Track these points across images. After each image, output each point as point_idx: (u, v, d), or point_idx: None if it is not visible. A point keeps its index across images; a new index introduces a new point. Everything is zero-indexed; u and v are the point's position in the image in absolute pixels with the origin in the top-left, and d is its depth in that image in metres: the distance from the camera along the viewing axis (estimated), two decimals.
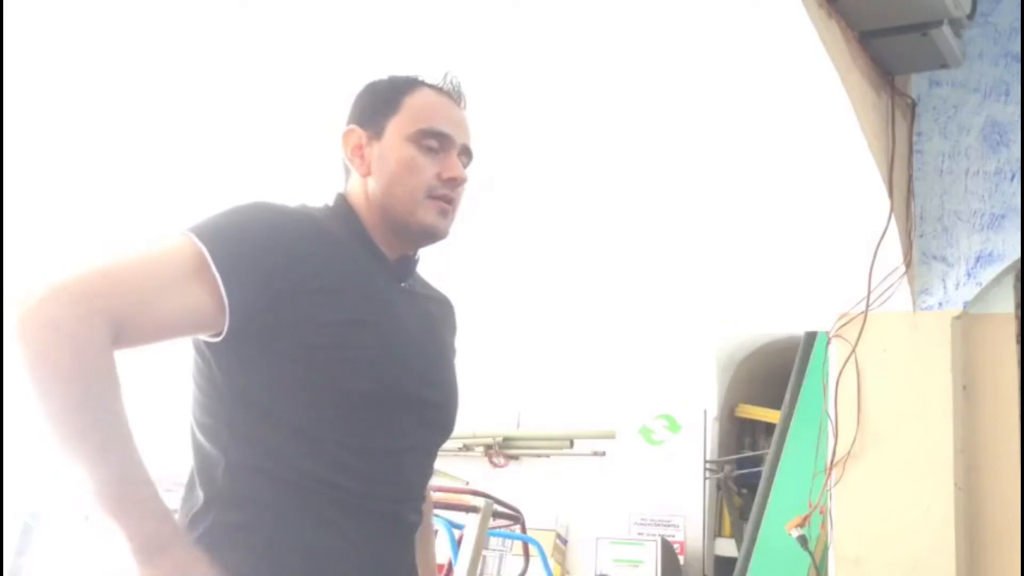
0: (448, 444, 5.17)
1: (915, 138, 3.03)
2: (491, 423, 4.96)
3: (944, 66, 2.82)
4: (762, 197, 2.93)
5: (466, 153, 1.52)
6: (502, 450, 4.96)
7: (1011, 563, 2.81)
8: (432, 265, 1.68)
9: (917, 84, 3.06)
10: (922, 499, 2.88)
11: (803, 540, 3.14)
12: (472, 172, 1.56)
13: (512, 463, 5.00)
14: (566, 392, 4.95)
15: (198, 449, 1.39)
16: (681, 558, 4.45)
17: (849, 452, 2.97)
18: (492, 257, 3.60)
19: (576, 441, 4.81)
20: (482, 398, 4.84)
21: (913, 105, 3.02)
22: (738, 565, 4.05)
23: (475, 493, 3.23)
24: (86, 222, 3.81)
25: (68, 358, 1.17)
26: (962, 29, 2.79)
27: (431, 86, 1.53)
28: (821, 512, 3.13)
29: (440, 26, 2.38)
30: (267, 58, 2.59)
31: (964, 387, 2.95)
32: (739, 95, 2.48)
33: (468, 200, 1.57)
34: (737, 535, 4.46)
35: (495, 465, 4.97)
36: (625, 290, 3.69)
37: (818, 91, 2.37)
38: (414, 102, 1.49)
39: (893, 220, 2.79)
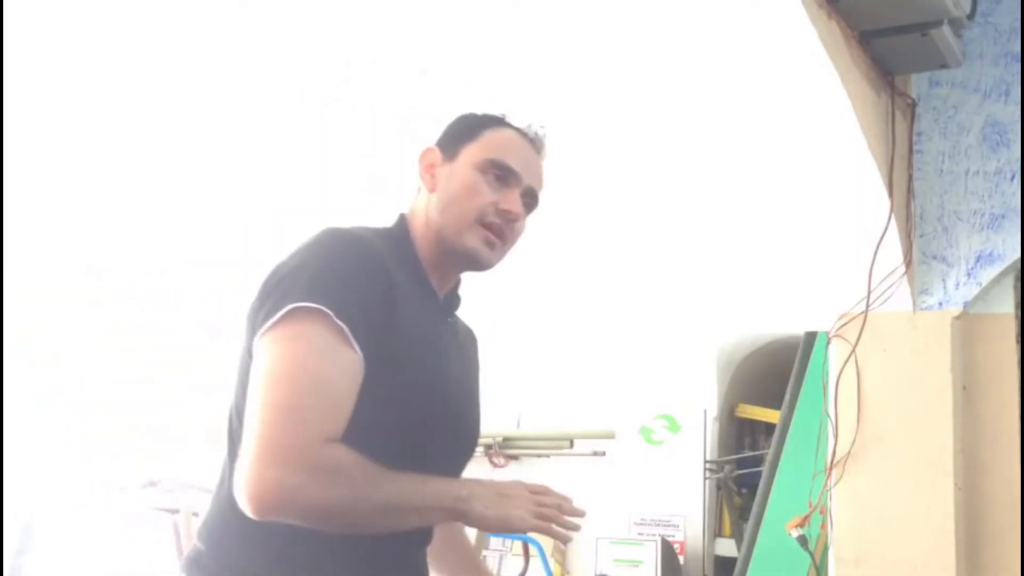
0: None
1: (915, 138, 3.02)
2: (491, 423, 4.96)
3: (944, 66, 2.81)
4: (762, 197, 2.93)
5: (531, 195, 1.56)
6: (502, 450, 4.96)
7: (1011, 563, 2.81)
8: None
9: (917, 84, 3.06)
10: (922, 499, 2.88)
11: (803, 540, 3.14)
12: None
13: (512, 463, 5.00)
14: (566, 392, 4.95)
15: (231, 436, 1.42)
16: (681, 558, 4.45)
17: (849, 452, 2.97)
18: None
19: (576, 441, 4.80)
20: (482, 398, 4.83)
21: (913, 105, 3.02)
22: (738, 565, 4.05)
23: None
24: (84, 220, 3.81)
25: (321, 494, 1.26)
26: (962, 29, 2.79)
27: (515, 128, 1.58)
28: (821, 512, 3.12)
29: (440, 25, 2.38)
30: (266, 56, 2.59)
31: (964, 387, 2.95)
32: (739, 95, 2.48)
33: None
34: (737, 535, 4.46)
35: (495, 465, 4.97)
36: (625, 290, 3.70)
37: (818, 91, 2.37)
38: (493, 136, 1.55)
39: (893, 220, 2.79)
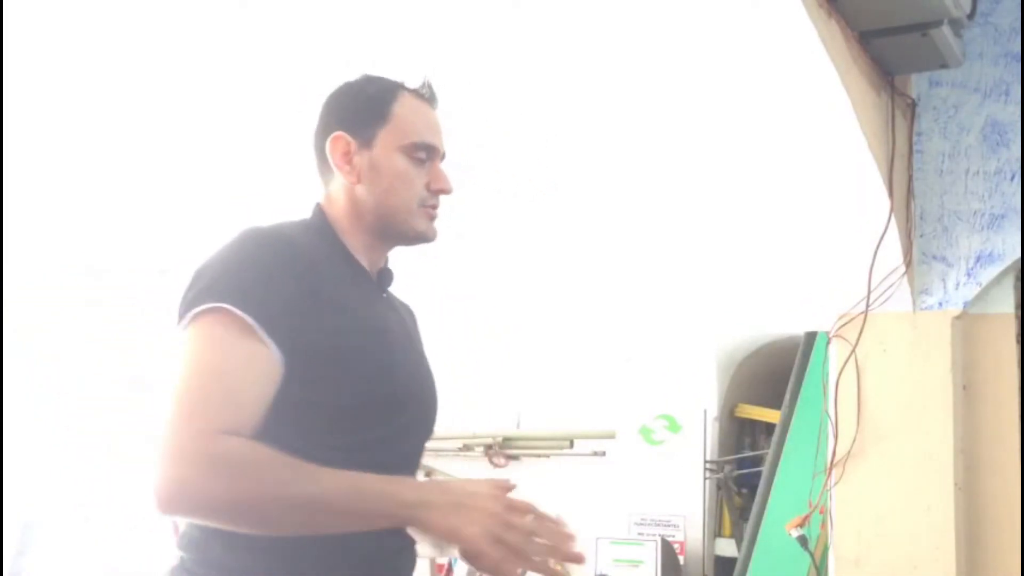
0: (448, 444, 5.13)
1: (915, 138, 3.03)
2: (491, 423, 4.96)
3: (944, 66, 2.82)
4: (762, 197, 2.93)
5: (443, 157, 1.59)
6: (502, 450, 4.95)
7: (1011, 563, 2.81)
8: (434, 266, 1.68)
9: (917, 84, 3.06)
10: (922, 499, 2.88)
11: (803, 540, 3.14)
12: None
13: (512, 463, 4.99)
14: (566, 392, 4.94)
15: None
16: (681, 558, 4.45)
17: (849, 452, 2.97)
18: (491, 257, 3.60)
19: (576, 441, 4.80)
20: (482, 398, 4.84)
21: (913, 105, 3.02)
22: (738, 565, 4.05)
23: None
24: (84, 220, 3.81)
25: (219, 487, 1.22)
26: (962, 29, 2.79)
27: (412, 91, 1.58)
28: (821, 512, 3.13)
29: (439, 25, 2.38)
30: (266, 56, 2.59)
31: (964, 387, 2.95)
32: (739, 95, 2.48)
33: (475, 203, 1.59)
34: (737, 535, 4.46)
35: (495, 465, 4.96)
36: (625, 290, 3.69)
37: (818, 91, 2.37)
38: (402, 112, 1.54)
39: (893, 220, 2.79)
